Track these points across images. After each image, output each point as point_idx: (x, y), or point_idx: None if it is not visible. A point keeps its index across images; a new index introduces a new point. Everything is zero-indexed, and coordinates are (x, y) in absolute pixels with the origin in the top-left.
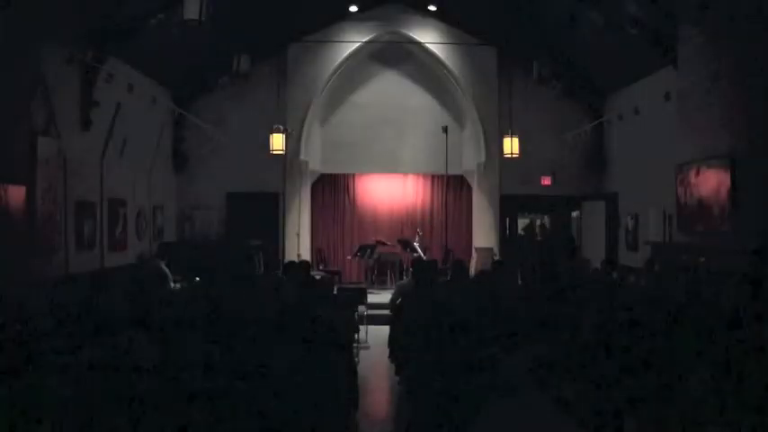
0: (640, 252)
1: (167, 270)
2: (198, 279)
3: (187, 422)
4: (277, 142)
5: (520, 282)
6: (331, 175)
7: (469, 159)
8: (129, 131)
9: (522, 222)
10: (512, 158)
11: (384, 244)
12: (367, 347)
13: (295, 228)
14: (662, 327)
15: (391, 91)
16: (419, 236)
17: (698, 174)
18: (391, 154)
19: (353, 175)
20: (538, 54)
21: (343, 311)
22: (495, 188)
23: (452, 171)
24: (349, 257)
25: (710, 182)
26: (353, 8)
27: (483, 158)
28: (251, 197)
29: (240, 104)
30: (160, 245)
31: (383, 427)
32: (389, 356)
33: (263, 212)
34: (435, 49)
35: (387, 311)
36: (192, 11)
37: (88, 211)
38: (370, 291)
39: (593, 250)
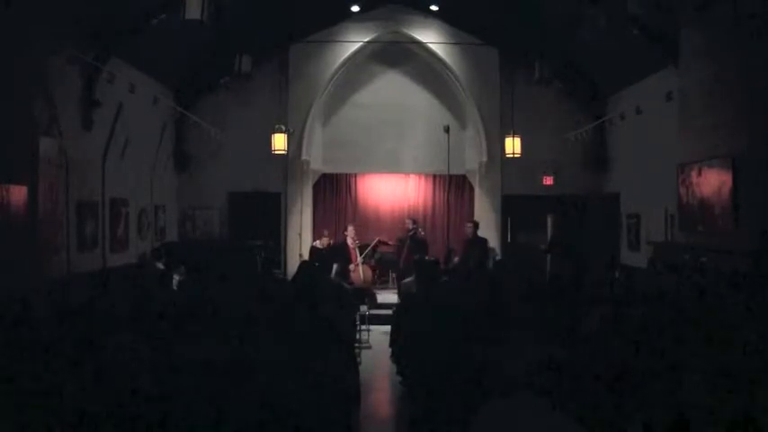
0: (642, 252)
1: (165, 270)
2: (195, 277)
3: (188, 421)
4: (279, 142)
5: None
6: (333, 174)
7: (471, 159)
8: (130, 131)
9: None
10: (513, 158)
11: (386, 244)
12: (369, 347)
13: (297, 228)
14: (664, 327)
15: (393, 91)
16: (421, 236)
17: (699, 174)
18: (393, 154)
19: (355, 175)
20: (539, 54)
21: (345, 311)
22: (497, 188)
23: (454, 171)
24: None
25: (712, 182)
26: (355, 8)
27: (485, 158)
28: (252, 197)
29: (242, 104)
30: (160, 246)
31: (384, 427)
32: (391, 357)
33: (264, 212)
34: (437, 48)
35: (388, 311)
36: (193, 11)
37: (90, 211)
38: None
39: (595, 250)
